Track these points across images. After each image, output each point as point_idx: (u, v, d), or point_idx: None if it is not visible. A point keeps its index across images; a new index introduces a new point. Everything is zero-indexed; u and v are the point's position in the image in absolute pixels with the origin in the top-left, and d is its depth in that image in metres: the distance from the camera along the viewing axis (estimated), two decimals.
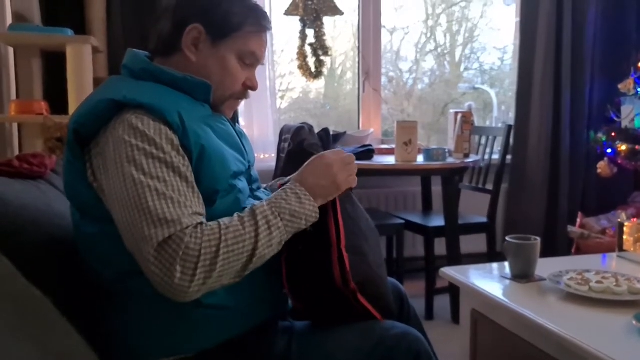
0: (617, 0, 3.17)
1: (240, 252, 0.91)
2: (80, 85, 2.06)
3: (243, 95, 1.12)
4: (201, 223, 0.91)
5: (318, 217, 1.00)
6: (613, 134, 2.74)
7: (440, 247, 2.57)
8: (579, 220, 2.95)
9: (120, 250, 0.95)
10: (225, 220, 0.93)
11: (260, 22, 1.09)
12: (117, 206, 0.90)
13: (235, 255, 0.90)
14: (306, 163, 1.06)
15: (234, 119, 1.18)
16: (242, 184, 1.05)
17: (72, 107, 2.07)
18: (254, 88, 1.12)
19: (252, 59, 1.10)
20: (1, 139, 2.25)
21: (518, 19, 3.25)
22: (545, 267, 1.42)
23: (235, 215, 0.95)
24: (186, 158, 0.94)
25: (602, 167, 2.84)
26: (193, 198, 0.93)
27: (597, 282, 1.27)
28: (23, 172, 1.12)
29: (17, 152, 2.27)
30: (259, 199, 1.11)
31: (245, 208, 1.00)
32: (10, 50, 2.29)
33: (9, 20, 2.23)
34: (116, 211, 0.91)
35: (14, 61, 2.28)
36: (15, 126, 2.29)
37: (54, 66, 2.26)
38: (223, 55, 1.06)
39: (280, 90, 3.48)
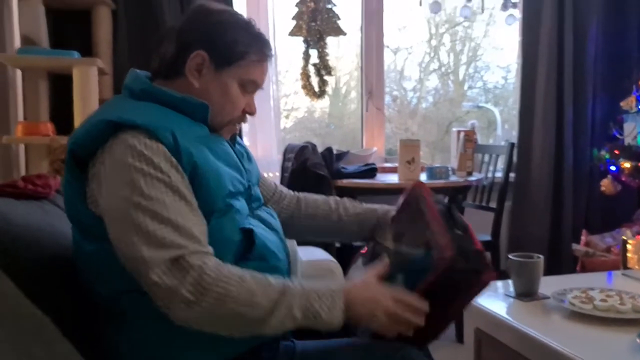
0: (618, 18, 3.19)
1: (243, 316, 0.89)
2: (86, 106, 2.09)
3: (241, 119, 1.14)
4: (207, 253, 0.92)
5: (336, 330, 0.95)
6: (616, 152, 2.74)
7: None
8: (583, 238, 2.93)
9: (118, 269, 0.95)
10: (248, 278, 0.91)
11: (263, 50, 1.10)
12: (115, 226, 0.91)
13: (238, 316, 0.89)
14: (368, 283, 1.01)
15: (234, 139, 1.19)
16: (239, 203, 1.05)
17: None
18: (252, 113, 1.14)
19: (253, 86, 1.11)
20: (8, 160, 2.27)
21: (521, 38, 3.28)
22: (550, 285, 1.41)
23: (265, 279, 0.93)
24: (185, 177, 0.95)
25: (606, 184, 2.83)
26: (195, 218, 0.94)
27: (602, 300, 1.27)
28: (27, 193, 1.13)
29: (23, 173, 2.29)
30: (259, 217, 1.12)
31: (242, 229, 1.01)
32: (18, 72, 2.33)
33: (17, 43, 2.28)
34: (114, 230, 0.92)
35: (22, 83, 2.31)
36: (22, 147, 2.32)
37: (61, 88, 2.30)
38: (225, 82, 1.07)
39: (285, 109, 3.51)
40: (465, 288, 1.04)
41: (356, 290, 0.98)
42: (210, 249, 0.93)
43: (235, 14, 1.13)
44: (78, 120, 2.09)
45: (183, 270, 0.87)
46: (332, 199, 1.30)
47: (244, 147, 1.23)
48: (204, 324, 0.90)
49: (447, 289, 1.01)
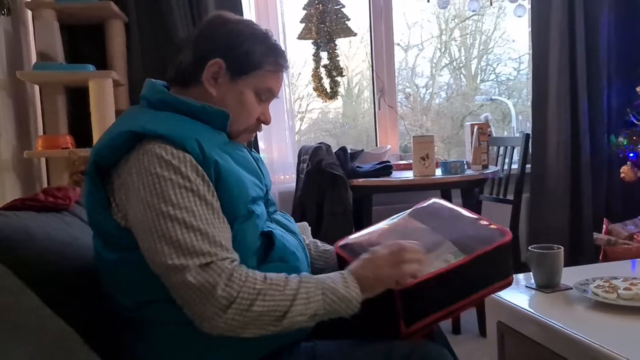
0: (629, 3, 3.15)
1: (272, 310, 0.92)
2: (103, 117, 2.12)
3: (256, 128, 1.15)
4: (234, 259, 0.94)
5: (359, 307, 0.97)
6: (634, 138, 2.70)
7: None
8: (604, 226, 2.89)
9: (140, 279, 0.97)
10: (271, 275, 0.95)
11: (278, 62, 1.12)
12: (145, 236, 0.92)
13: (267, 311, 0.91)
14: (364, 257, 1.03)
15: (250, 146, 1.20)
16: (260, 208, 1.06)
17: (96, 139, 2.13)
18: (267, 122, 1.15)
19: (269, 95, 1.13)
20: (30, 174, 2.32)
21: (530, 29, 3.25)
22: (571, 275, 1.41)
23: (283, 274, 0.96)
24: (211, 185, 0.96)
25: (626, 171, 2.80)
26: (221, 226, 0.95)
27: (625, 288, 1.25)
28: (48, 205, 1.16)
29: (45, 186, 2.34)
30: (276, 221, 1.13)
31: (262, 232, 1.02)
32: (36, 88, 2.38)
33: (34, 59, 2.32)
34: (144, 240, 0.92)
35: (40, 98, 2.36)
36: (43, 161, 2.37)
37: (78, 101, 2.34)
38: (241, 90, 1.09)
39: (300, 111, 3.53)
40: (492, 278, 1.07)
41: (356, 263, 1.02)
42: (236, 256, 0.95)
43: (252, 24, 1.14)
44: (96, 132, 2.13)
45: (214, 273, 0.90)
46: (307, 236, 1.33)
47: (256, 154, 1.25)
48: (237, 327, 0.91)
49: (483, 270, 1.05)
